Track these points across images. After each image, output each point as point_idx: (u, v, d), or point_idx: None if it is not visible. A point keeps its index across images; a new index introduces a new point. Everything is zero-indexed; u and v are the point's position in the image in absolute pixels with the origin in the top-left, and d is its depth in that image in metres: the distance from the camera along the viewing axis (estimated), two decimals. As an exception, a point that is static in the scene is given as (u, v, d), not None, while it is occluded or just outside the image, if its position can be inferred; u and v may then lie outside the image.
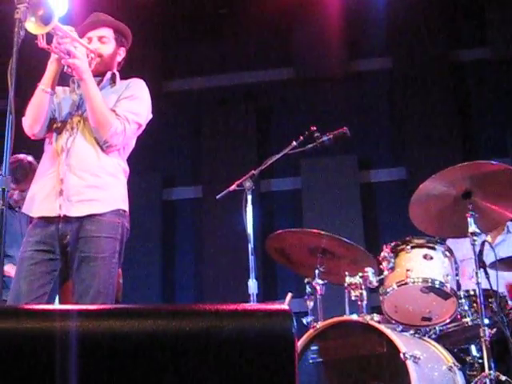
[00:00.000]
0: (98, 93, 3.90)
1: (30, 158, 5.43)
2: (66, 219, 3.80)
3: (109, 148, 3.92)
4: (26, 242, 3.87)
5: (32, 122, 3.92)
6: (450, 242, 4.85)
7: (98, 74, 4.03)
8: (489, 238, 4.66)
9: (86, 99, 3.89)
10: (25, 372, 1.74)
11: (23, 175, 5.37)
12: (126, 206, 3.98)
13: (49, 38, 3.75)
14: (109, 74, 4.13)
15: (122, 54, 4.23)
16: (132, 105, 4.04)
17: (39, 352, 1.75)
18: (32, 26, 3.52)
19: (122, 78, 4.21)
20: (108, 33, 4.17)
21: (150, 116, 4.18)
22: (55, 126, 3.99)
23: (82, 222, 3.81)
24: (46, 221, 3.84)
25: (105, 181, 3.91)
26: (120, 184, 4.01)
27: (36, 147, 4.23)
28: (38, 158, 4.89)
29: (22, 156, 5.40)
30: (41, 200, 3.87)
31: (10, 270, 5.20)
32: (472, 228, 4.32)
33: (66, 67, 3.89)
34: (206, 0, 8.22)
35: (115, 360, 1.76)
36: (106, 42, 4.14)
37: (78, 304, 3.68)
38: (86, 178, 3.86)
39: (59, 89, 4.06)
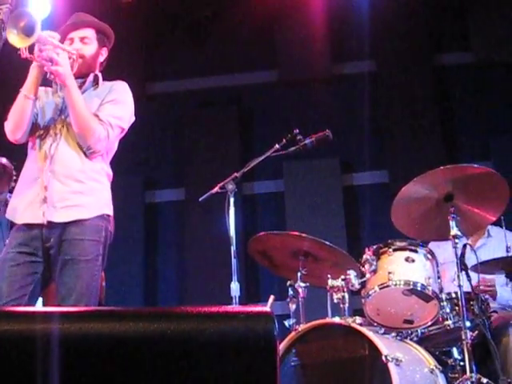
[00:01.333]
0: (81, 99, 3.88)
1: (4, 161, 5.39)
2: (51, 225, 3.80)
3: (92, 154, 3.91)
4: (9, 243, 3.87)
5: (14, 128, 3.90)
6: (431, 246, 4.87)
7: (81, 75, 4.02)
8: (469, 242, 4.68)
9: (69, 105, 3.87)
10: (5, 375, 1.73)
11: None
12: (110, 211, 3.99)
13: (31, 45, 3.73)
14: (91, 77, 4.10)
15: (104, 54, 4.22)
16: (115, 109, 4.02)
17: (19, 355, 1.73)
18: (15, 38, 3.50)
19: (105, 79, 4.19)
20: (90, 33, 4.15)
21: (133, 119, 4.17)
22: (38, 131, 3.97)
23: (66, 226, 3.81)
24: (30, 225, 3.84)
25: (89, 186, 3.91)
26: (104, 189, 4.01)
27: (16, 148, 4.21)
28: (17, 159, 4.88)
29: None
30: (24, 207, 3.86)
31: None
32: (454, 231, 4.34)
33: (48, 74, 3.87)
34: (189, 2, 8.21)
35: (96, 362, 1.75)
36: (87, 42, 4.12)
37: (61, 306, 3.68)
38: (70, 184, 3.86)
39: (41, 90, 4.03)
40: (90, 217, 3.85)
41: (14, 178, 5.36)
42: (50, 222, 3.78)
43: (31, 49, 3.75)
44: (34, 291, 3.80)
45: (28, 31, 3.53)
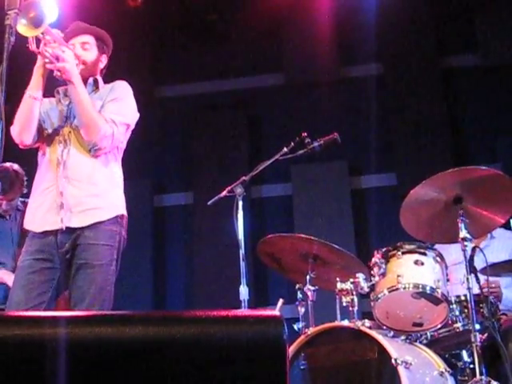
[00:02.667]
0: (87, 96, 3.92)
1: (15, 167, 5.39)
2: (67, 230, 3.82)
3: (97, 151, 3.93)
4: (25, 251, 3.89)
5: (21, 129, 3.91)
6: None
7: (82, 81, 4.03)
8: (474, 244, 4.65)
9: (76, 103, 3.89)
10: (15, 380, 1.73)
11: (9, 185, 5.34)
12: (124, 211, 4.02)
13: (38, 42, 3.76)
14: (91, 80, 4.14)
15: (103, 61, 4.26)
16: (117, 106, 4.05)
17: (29, 359, 1.74)
18: (23, 28, 3.52)
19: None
20: (90, 39, 4.19)
21: (137, 115, 4.19)
22: (47, 138, 4.00)
23: (80, 231, 3.83)
24: (46, 232, 3.85)
25: (103, 188, 3.94)
26: (118, 189, 4.04)
27: (25, 154, 4.22)
28: (25, 165, 4.88)
29: (7, 165, 5.35)
30: (42, 215, 3.89)
31: (3, 275, 5.19)
32: (463, 233, 4.33)
33: (55, 72, 3.89)
34: (196, 7, 8.22)
35: (105, 367, 1.76)
36: (88, 48, 4.16)
37: (74, 311, 3.69)
38: (85, 188, 3.89)
39: (45, 100, 4.05)
40: (106, 218, 3.87)
41: (26, 183, 5.36)
42: (67, 228, 3.81)
43: (39, 45, 3.78)
44: (51, 298, 3.82)
45: (37, 22, 3.55)
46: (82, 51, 4.12)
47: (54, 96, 4.15)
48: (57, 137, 3.98)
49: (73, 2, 6.99)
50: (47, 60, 3.84)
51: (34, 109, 3.89)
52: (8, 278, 5.11)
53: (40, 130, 3.99)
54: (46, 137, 4.01)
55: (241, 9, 8.01)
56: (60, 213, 3.83)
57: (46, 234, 3.85)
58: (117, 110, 4.04)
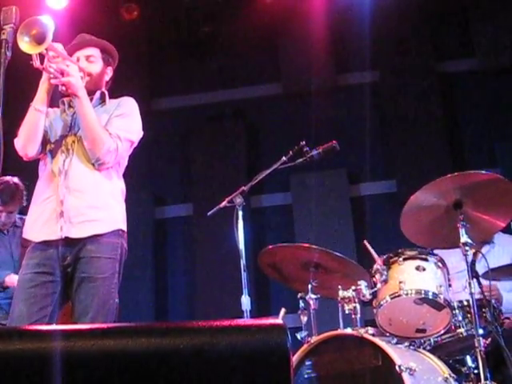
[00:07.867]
0: (92, 110, 3.91)
1: (15, 180, 5.41)
2: (67, 241, 3.79)
3: (101, 166, 3.92)
4: (26, 264, 3.86)
5: (26, 141, 3.90)
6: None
7: (88, 93, 4.03)
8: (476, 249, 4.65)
9: (81, 116, 3.88)
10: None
11: (9, 196, 5.35)
12: (124, 226, 3.99)
13: (42, 58, 3.76)
14: (98, 94, 4.13)
15: (109, 73, 4.25)
16: (123, 122, 4.04)
17: (32, 373, 1.73)
18: (26, 45, 3.53)
19: (111, 97, 4.21)
20: (95, 52, 4.18)
21: (142, 133, 4.18)
22: (49, 147, 3.99)
23: (82, 244, 3.81)
24: (47, 243, 3.83)
25: (104, 201, 3.92)
26: (119, 204, 4.03)
27: (26, 170, 4.22)
28: (27, 180, 4.88)
29: (7, 177, 5.38)
30: (42, 224, 3.87)
31: (11, 279, 5.16)
32: (464, 238, 4.32)
33: (60, 86, 3.88)
34: (192, 18, 8.23)
35: (109, 379, 1.75)
36: (93, 61, 4.15)
37: (77, 324, 3.67)
38: (86, 199, 3.87)
39: (49, 110, 4.04)
40: (105, 231, 3.85)
41: (25, 197, 5.37)
42: (66, 238, 3.78)
43: (43, 60, 3.77)
44: (53, 311, 3.79)
45: (39, 39, 3.56)
46: (87, 64, 4.11)
47: (58, 106, 4.14)
48: (60, 146, 3.97)
49: (69, 15, 7.01)
50: (52, 75, 3.83)
51: (38, 121, 3.89)
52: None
53: (43, 141, 3.98)
54: (48, 147, 4.00)
55: (237, 20, 8.02)
56: (60, 221, 3.80)
57: (47, 246, 3.82)
58: (123, 125, 4.03)
